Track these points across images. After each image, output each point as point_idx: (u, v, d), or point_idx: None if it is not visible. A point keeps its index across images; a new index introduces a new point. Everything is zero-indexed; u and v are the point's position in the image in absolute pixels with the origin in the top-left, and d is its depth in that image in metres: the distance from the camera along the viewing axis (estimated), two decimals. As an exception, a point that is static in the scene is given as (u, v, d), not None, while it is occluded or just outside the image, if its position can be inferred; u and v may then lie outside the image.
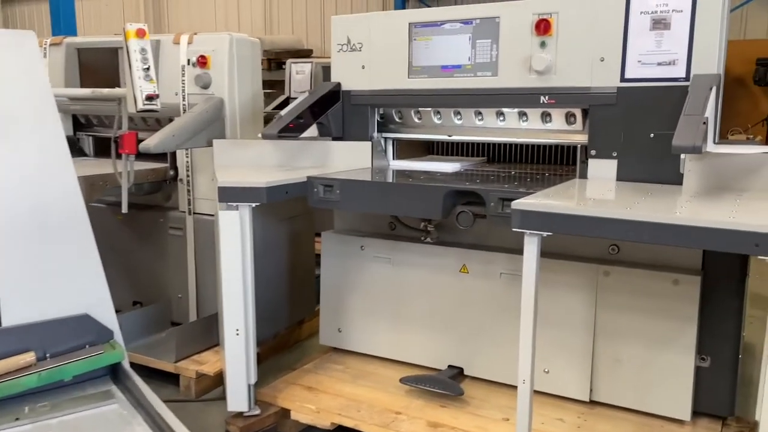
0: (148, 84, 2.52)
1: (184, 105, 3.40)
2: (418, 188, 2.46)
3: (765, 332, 1.90)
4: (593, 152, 2.63)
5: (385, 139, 3.29)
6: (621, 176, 2.58)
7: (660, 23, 2.47)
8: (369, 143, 3.11)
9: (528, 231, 2.00)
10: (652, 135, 2.51)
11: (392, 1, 9.41)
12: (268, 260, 3.49)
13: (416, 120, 3.16)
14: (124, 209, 2.79)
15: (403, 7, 9.20)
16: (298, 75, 5.92)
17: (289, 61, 5.79)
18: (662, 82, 2.48)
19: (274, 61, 8.42)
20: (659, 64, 2.48)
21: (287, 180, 2.58)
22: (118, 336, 2.68)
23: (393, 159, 3.31)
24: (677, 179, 2.47)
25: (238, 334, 2.50)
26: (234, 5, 11.23)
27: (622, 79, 2.55)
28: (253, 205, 2.47)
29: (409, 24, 2.97)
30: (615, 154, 2.59)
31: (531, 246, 2.02)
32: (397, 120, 3.21)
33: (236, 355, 2.51)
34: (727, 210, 1.96)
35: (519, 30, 2.72)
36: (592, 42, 2.58)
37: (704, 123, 2.08)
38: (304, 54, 8.88)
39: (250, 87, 3.46)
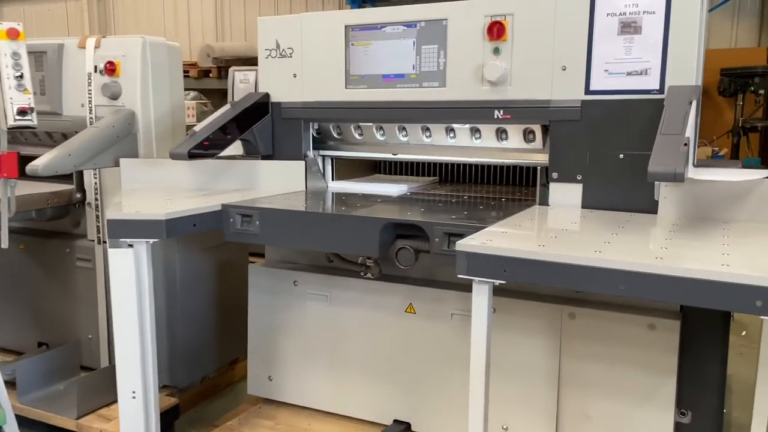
0: (22, 95, 2.08)
1: (91, 118, 2.95)
2: (350, 220, 2.07)
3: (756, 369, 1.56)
4: (555, 175, 2.28)
5: (323, 157, 2.89)
6: (587, 202, 2.24)
7: (629, 27, 2.13)
8: (302, 163, 2.71)
9: (476, 278, 1.63)
10: (621, 156, 2.17)
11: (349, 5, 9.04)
12: (192, 295, 3.07)
13: (357, 136, 2.77)
14: (4, 244, 2.33)
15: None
16: (242, 84, 5.46)
17: (232, 68, 5.34)
18: (633, 94, 2.14)
19: (224, 68, 7.98)
20: (629, 73, 2.15)
21: (195, 209, 2.16)
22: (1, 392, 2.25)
23: (332, 180, 2.92)
24: (651, 207, 2.13)
25: (134, 398, 2.07)
26: (184, 11, 10.72)
27: (587, 91, 2.21)
28: (151, 241, 2.04)
29: (345, 27, 2.58)
30: (580, 178, 2.24)
31: (480, 296, 1.64)
32: (335, 136, 2.82)
33: (132, 422, 2.08)
34: (716, 251, 1.61)
35: (469, 34, 2.36)
36: (553, 48, 2.24)
37: (685, 144, 1.74)
38: (256, 62, 8.45)
39: (168, 98, 3.02)
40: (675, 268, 1.43)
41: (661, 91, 2.10)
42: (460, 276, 1.65)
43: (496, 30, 2.29)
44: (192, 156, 2.36)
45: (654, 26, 2.10)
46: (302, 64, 2.68)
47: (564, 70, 2.23)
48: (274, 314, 2.74)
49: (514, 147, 2.49)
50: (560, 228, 1.94)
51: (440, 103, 2.44)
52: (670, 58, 2.09)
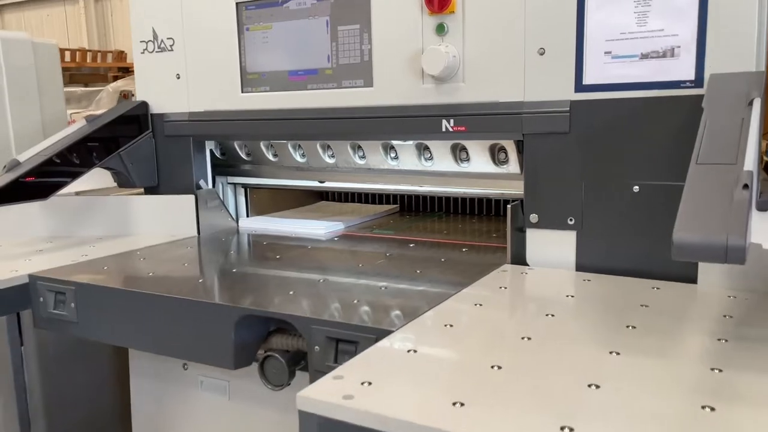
0: None
1: (-62, 141, 2.25)
2: (195, 308, 1.30)
3: None
4: (534, 218, 1.48)
5: (234, 186, 2.14)
6: (584, 261, 1.43)
7: (644, -20, 1.32)
8: (191, 197, 1.96)
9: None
10: (636, 188, 1.36)
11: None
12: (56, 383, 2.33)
13: (270, 157, 2.01)
14: None
15: None
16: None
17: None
18: (652, 89, 1.33)
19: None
20: (645, 56, 1.33)
21: (-21, 287, 1.43)
22: None
23: (247, 215, 2.16)
24: (686, 272, 1.32)
25: None
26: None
27: (579, 87, 1.40)
28: None
29: (237, 4, 1.82)
30: (572, 222, 1.44)
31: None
32: (243, 157, 2.06)
33: None
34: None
35: (401, 5, 1.57)
36: (524, 21, 1.43)
37: (746, 186, 0.93)
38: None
39: (36, 112, 2.31)
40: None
41: (697, 82, 1.28)
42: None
43: (437, -3, 1.50)
44: (3, 202, 1.62)
45: (684, -23, 1.28)
46: (186, 59, 1.93)
47: (542, 54, 1.42)
48: (160, 410, 1.99)
49: (479, 171, 1.69)
50: (525, 329, 1.13)
51: (366, 110, 1.66)
52: (711, 30, 1.27)
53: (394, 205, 2.29)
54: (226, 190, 2.13)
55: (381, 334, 1.07)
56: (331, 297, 1.30)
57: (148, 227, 1.97)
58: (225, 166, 2.09)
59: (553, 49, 1.41)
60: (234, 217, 2.11)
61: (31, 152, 1.77)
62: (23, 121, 2.26)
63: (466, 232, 1.90)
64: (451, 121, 1.54)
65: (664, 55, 1.31)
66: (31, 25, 12.13)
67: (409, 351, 0.98)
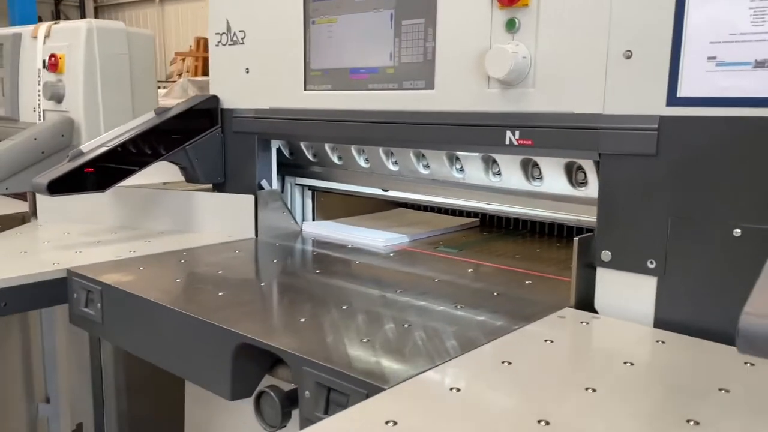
0: None
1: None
2: (195, 326, 1.19)
3: None
4: (607, 255, 1.22)
5: (302, 187, 2.04)
6: (664, 315, 1.16)
7: (768, -34, 1.02)
8: (251, 197, 1.87)
9: None
10: (737, 231, 1.07)
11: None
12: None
13: (335, 160, 1.88)
14: None
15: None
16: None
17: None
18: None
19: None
20: (760, 64, 1.03)
21: (18, 278, 1.42)
22: None
23: (313, 218, 2.06)
24: (796, 347, 1.01)
25: None
26: None
27: (672, 100, 1.12)
28: None
29: (304, -4, 1.70)
30: (653, 265, 1.16)
31: None
32: (310, 158, 1.95)
33: None
34: None
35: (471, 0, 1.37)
36: (609, 18, 1.18)
37: None
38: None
39: (129, 101, 2.34)
40: None
41: (833, 101, 0.97)
42: None
43: (508, -13, 1.27)
44: (54, 190, 1.62)
45: (824, -39, 0.97)
46: (255, 53, 1.84)
47: (628, 58, 1.16)
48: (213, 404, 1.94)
49: (552, 193, 1.45)
50: (546, 407, 0.90)
51: (425, 115, 1.47)
52: None
53: (475, 219, 2.08)
54: (293, 191, 2.04)
55: (372, 390, 0.90)
56: (342, 330, 1.13)
57: (210, 225, 1.92)
58: (294, 166, 1.99)
59: (642, 51, 1.14)
60: (298, 219, 2.00)
61: (96, 143, 1.77)
62: (114, 108, 2.30)
63: (541, 259, 1.65)
64: (517, 132, 1.32)
65: (787, 64, 1.01)
66: (186, 17, 13.01)
67: (388, 423, 0.80)
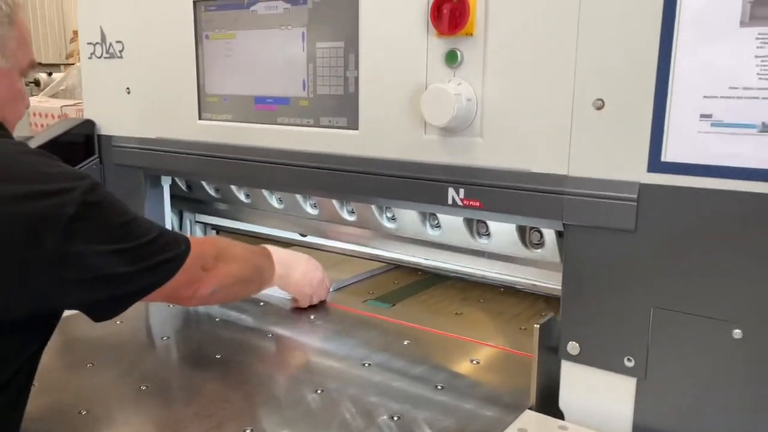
0: None
1: None
2: None
3: None
4: (573, 347, 1.00)
5: (205, 225, 1.73)
6: (645, 423, 0.95)
7: (778, 3, 0.80)
8: (138, 246, 1.55)
9: None
10: (737, 333, 0.86)
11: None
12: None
13: (242, 198, 1.58)
14: None
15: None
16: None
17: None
18: (778, 183, 0.82)
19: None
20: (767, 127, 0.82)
21: None
22: None
23: (220, 260, 1.75)
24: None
25: None
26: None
27: (655, 165, 0.90)
28: None
29: (194, 3, 1.37)
30: (632, 364, 0.95)
31: None
32: (212, 194, 1.64)
33: None
34: None
35: (400, 19, 1.09)
36: (575, 58, 0.94)
37: None
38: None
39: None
40: None
41: None
42: None
43: (448, 13, 1.01)
44: None
45: None
46: (137, 70, 1.50)
47: (600, 108, 0.93)
48: None
49: (501, 253, 1.22)
50: None
51: (350, 160, 1.20)
52: None
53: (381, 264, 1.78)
54: (194, 229, 1.73)
55: None
56: None
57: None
58: (194, 201, 1.68)
59: (617, 101, 0.91)
60: (201, 264, 1.69)
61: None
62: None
63: (489, 316, 1.41)
64: (461, 191, 1.07)
65: (803, 130, 0.80)
66: None
67: None
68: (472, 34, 1.01)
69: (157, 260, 0.91)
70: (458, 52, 1.03)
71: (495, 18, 1.00)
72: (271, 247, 1.29)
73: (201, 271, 1.04)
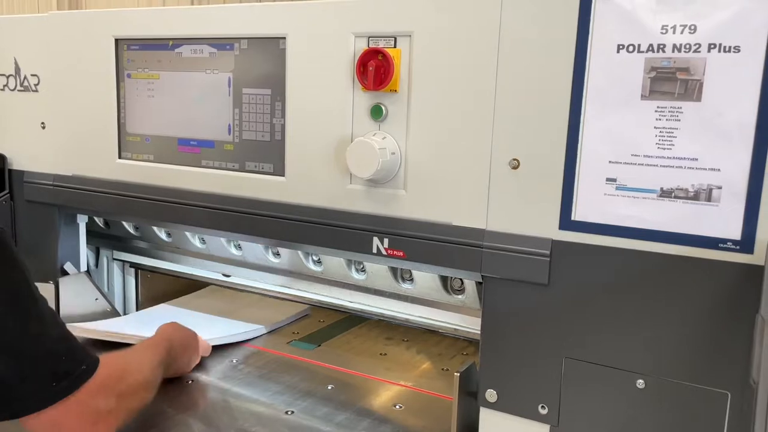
0: None
1: None
2: None
3: None
4: (491, 395, 1.03)
5: (124, 263, 1.68)
6: (557, 467, 1.00)
7: (673, 81, 0.86)
8: (50, 287, 1.48)
9: None
10: (640, 383, 0.92)
11: None
12: None
13: (163, 236, 1.55)
14: None
15: None
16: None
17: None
18: (674, 243, 0.89)
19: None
20: (666, 193, 0.89)
21: None
22: None
23: (139, 301, 1.70)
24: None
25: None
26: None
27: (566, 223, 0.95)
28: None
29: (116, 41, 1.35)
30: (545, 411, 0.99)
31: None
32: (132, 232, 1.59)
33: None
34: None
35: (328, 71, 1.12)
36: (492, 119, 0.99)
37: None
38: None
39: None
40: None
41: (744, 245, 0.85)
42: None
43: (373, 70, 1.04)
44: None
45: (735, 81, 0.83)
46: (53, 105, 1.45)
47: (515, 168, 0.98)
48: None
49: (425, 297, 1.25)
50: None
51: (276, 206, 1.20)
52: (775, 165, 0.83)
53: (306, 307, 1.76)
54: (111, 267, 1.68)
55: None
56: None
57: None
58: (111, 237, 1.62)
59: (531, 162, 0.96)
60: (118, 303, 1.64)
61: None
62: None
63: (411, 358, 1.44)
64: (386, 240, 1.09)
65: (696, 197, 0.87)
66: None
67: None
68: (396, 91, 1.05)
69: None
70: (383, 107, 1.06)
71: (418, 77, 1.03)
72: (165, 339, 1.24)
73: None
